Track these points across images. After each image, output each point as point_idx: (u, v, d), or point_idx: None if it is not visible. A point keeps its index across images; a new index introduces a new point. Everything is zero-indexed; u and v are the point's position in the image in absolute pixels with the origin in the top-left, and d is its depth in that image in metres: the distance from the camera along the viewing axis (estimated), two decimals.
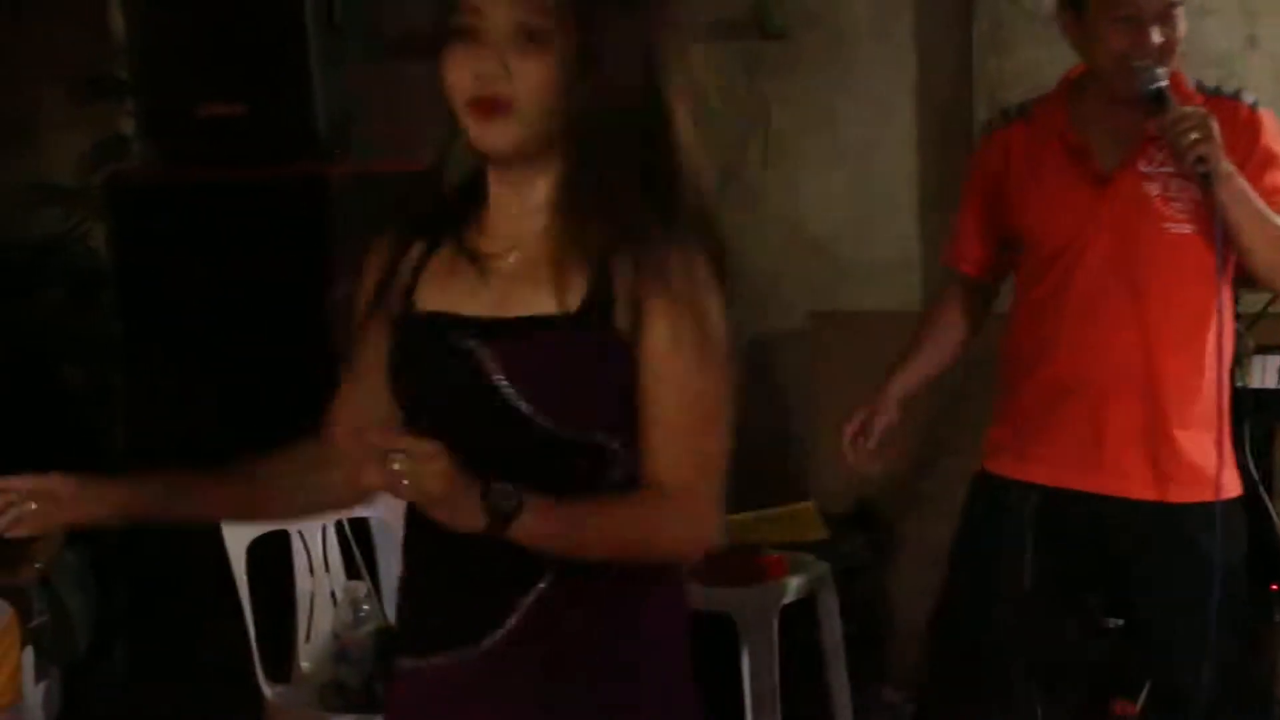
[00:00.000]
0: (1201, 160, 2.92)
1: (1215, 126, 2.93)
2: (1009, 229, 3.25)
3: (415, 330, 1.94)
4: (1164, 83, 2.99)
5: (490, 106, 1.86)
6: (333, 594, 3.62)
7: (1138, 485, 3.11)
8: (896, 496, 4.52)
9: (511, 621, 1.91)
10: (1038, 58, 4.25)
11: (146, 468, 2.03)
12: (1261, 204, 3.00)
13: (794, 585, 4.00)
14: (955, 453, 3.42)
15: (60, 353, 4.68)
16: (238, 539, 3.50)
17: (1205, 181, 2.94)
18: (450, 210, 1.98)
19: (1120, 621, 3.51)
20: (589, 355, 1.88)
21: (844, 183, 4.78)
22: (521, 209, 1.94)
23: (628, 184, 1.90)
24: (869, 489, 4.47)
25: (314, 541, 3.65)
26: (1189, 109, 2.97)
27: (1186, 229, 3.04)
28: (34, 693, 3.61)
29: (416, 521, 1.94)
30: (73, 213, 4.95)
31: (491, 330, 1.89)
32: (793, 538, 4.30)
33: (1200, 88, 3.15)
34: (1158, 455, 3.09)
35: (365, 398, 2.03)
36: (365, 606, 3.47)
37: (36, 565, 3.94)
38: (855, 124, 4.76)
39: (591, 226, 1.90)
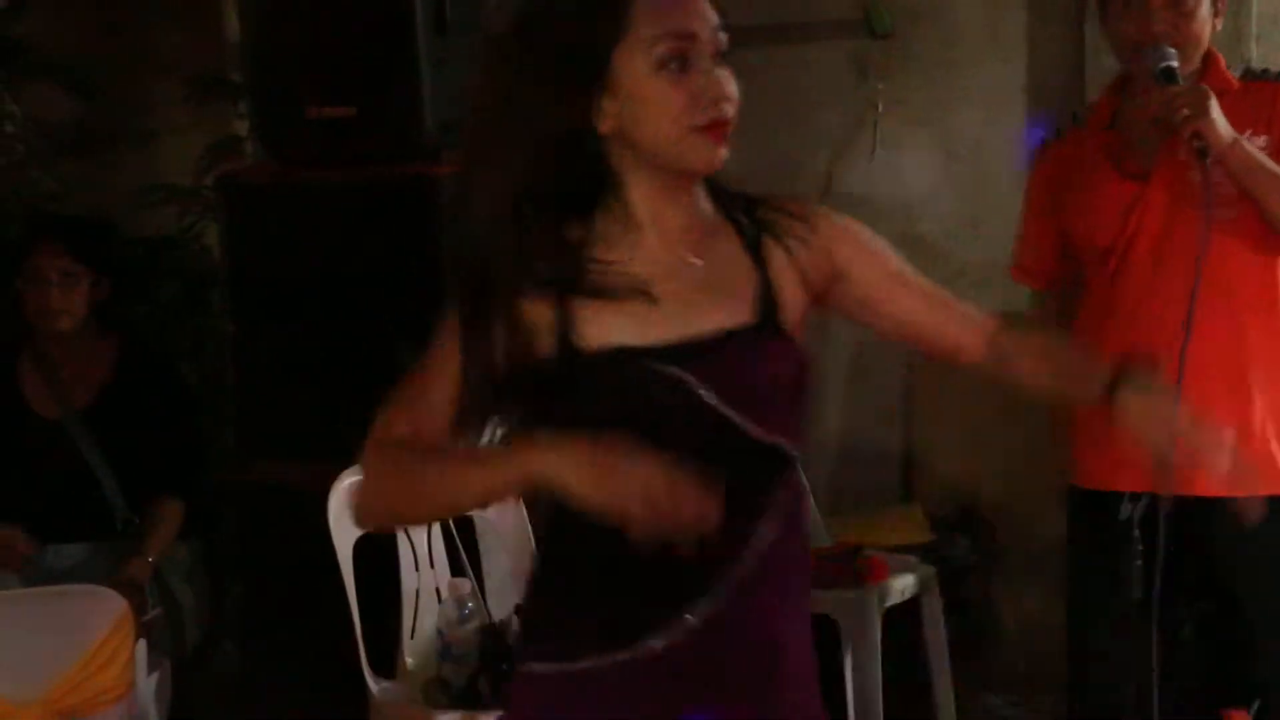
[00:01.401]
0: (1197, 136, 2.89)
1: (1212, 103, 2.89)
2: (1064, 236, 3.23)
3: (605, 369, 1.92)
4: (1173, 62, 2.95)
5: (723, 132, 1.95)
6: (437, 591, 3.64)
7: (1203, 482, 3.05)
8: (1001, 500, 4.49)
9: (685, 624, 1.93)
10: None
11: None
12: (1275, 166, 2.96)
13: (898, 587, 3.98)
14: (1058, 457, 3.39)
15: (174, 348, 4.76)
16: (345, 536, 3.53)
17: (1202, 157, 2.90)
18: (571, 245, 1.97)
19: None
20: (774, 359, 1.97)
21: (953, 182, 4.75)
22: (680, 222, 1.98)
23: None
24: (973, 493, 4.44)
25: (419, 539, 3.68)
26: (1185, 86, 2.94)
27: (1231, 213, 2.99)
28: (145, 685, 3.66)
29: (574, 525, 1.94)
30: (187, 212, 5.03)
31: (688, 353, 1.92)
32: (898, 540, 4.28)
33: (1247, 72, 3.12)
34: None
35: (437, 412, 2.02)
36: (469, 604, 3.48)
37: (149, 560, 4.00)
38: (965, 123, 4.72)
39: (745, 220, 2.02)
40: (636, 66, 1.91)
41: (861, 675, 3.82)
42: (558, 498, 1.93)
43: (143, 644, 3.56)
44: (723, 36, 1.95)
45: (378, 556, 3.61)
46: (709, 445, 1.90)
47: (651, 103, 1.91)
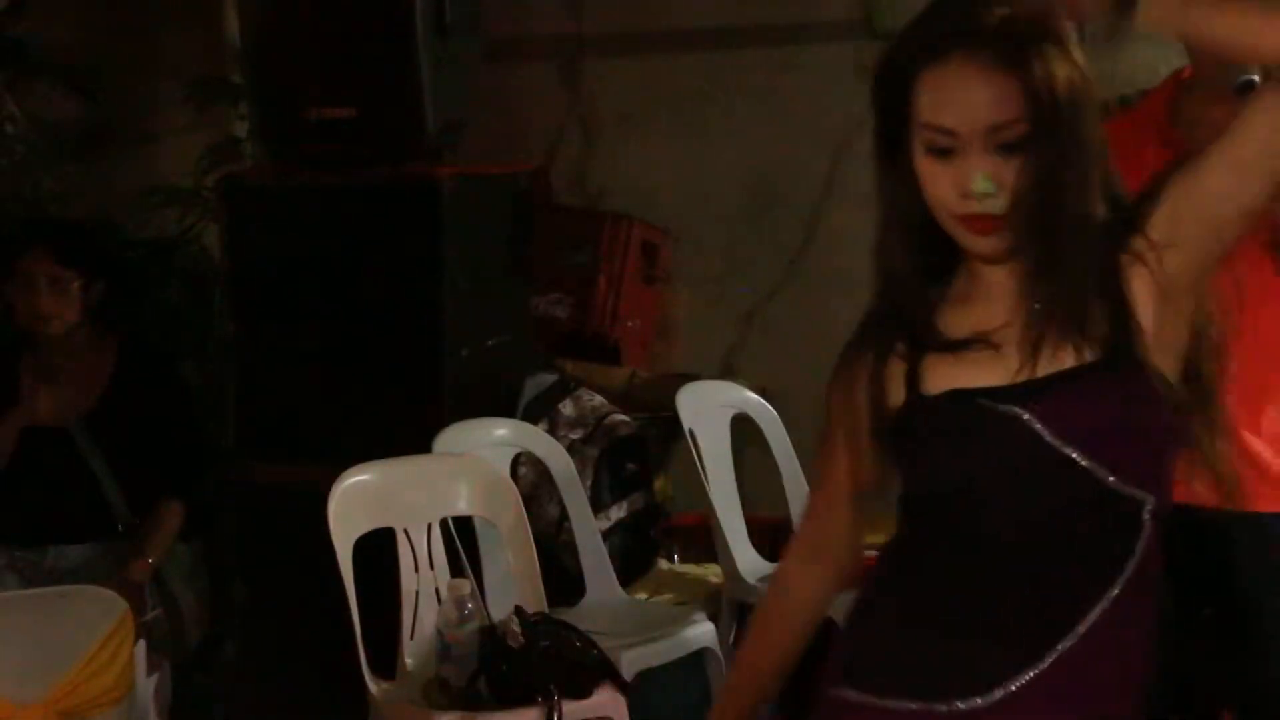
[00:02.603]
0: None
1: None
2: None
3: (944, 411, 1.93)
4: (1254, 75, 2.94)
5: (983, 226, 1.91)
6: (437, 592, 3.64)
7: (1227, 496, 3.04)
8: None
9: (1030, 674, 1.89)
10: (1150, 58, 4.20)
11: None
12: None
13: None
14: None
15: (175, 350, 4.76)
16: (345, 537, 3.53)
17: None
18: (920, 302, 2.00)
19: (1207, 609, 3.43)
20: (1124, 397, 1.90)
21: None
22: (1001, 289, 1.96)
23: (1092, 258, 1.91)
24: None
25: (419, 540, 3.68)
26: None
27: None
28: (145, 685, 3.66)
29: (915, 564, 1.99)
30: (188, 213, 5.03)
31: (1026, 392, 1.90)
32: None
33: None
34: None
35: (837, 511, 2.12)
36: (469, 605, 3.48)
37: (149, 561, 4.00)
38: None
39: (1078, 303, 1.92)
40: (915, 147, 1.94)
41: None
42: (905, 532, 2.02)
43: (142, 645, 3.56)
44: (1008, 135, 1.88)
45: (378, 557, 3.61)
46: (1056, 490, 1.88)
47: (924, 184, 1.94)
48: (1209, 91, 3.06)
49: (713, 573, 4.46)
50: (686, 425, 4.31)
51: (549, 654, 3.42)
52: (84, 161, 5.13)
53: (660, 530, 4.64)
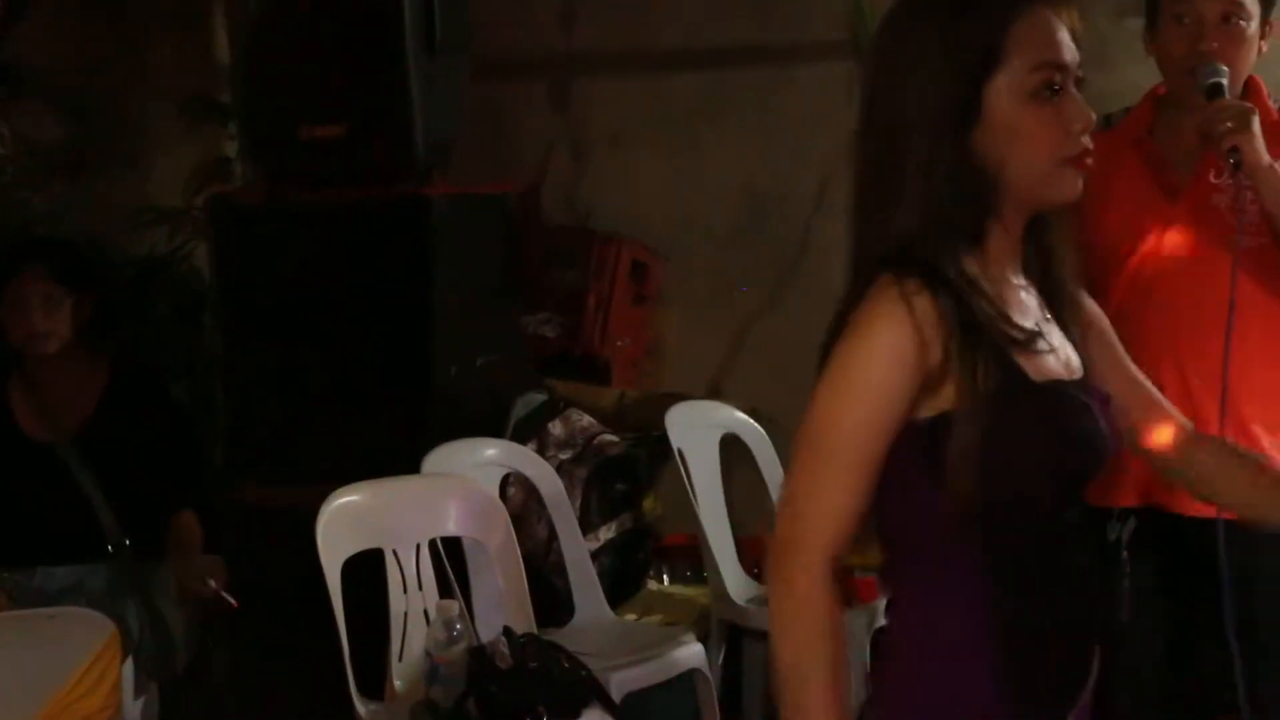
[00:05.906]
0: (1234, 150, 2.90)
1: (1255, 121, 2.91)
2: (1084, 239, 3.22)
3: (1051, 400, 1.91)
4: (1223, 78, 2.97)
5: (1088, 161, 1.92)
6: (425, 613, 3.64)
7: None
8: None
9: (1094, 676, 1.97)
10: (1139, 77, 4.21)
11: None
12: None
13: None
14: None
15: (164, 369, 4.76)
16: (333, 558, 3.53)
17: (1236, 170, 2.91)
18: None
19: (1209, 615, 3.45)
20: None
21: None
22: (1015, 260, 1.97)
23: None
24: None
25: (408, 560, 3.67)
26: (1231, 101, 2.96)
27: (1253, 242, 3.01)
28: (133, 707, 3.65)
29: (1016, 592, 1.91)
30: (177, 233, 5.04)
31: (1089, 389, 1.97)
32: None
33: None
34: None
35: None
36: (458, 626, 3.47)
37: (195, 564, 3.96)
38: None
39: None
40: (1009, 98, 1.88)
41: (848, 696, 3.80)
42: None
43: (130, 666, 3.55)
44: (1078, 69, 1.92)
45: (366, 578, 3.61)
46: (1098, 475, 1.98)
47: (1024, 134, 1.88)
48: (1180, 105, 3.12)
49: (702, 593, 4.46)
50: (676, 445, 4.30)
51: (537, 675, 3.41)
52: (73, 181, 5.13)
53: (650, 551, 4.64)
